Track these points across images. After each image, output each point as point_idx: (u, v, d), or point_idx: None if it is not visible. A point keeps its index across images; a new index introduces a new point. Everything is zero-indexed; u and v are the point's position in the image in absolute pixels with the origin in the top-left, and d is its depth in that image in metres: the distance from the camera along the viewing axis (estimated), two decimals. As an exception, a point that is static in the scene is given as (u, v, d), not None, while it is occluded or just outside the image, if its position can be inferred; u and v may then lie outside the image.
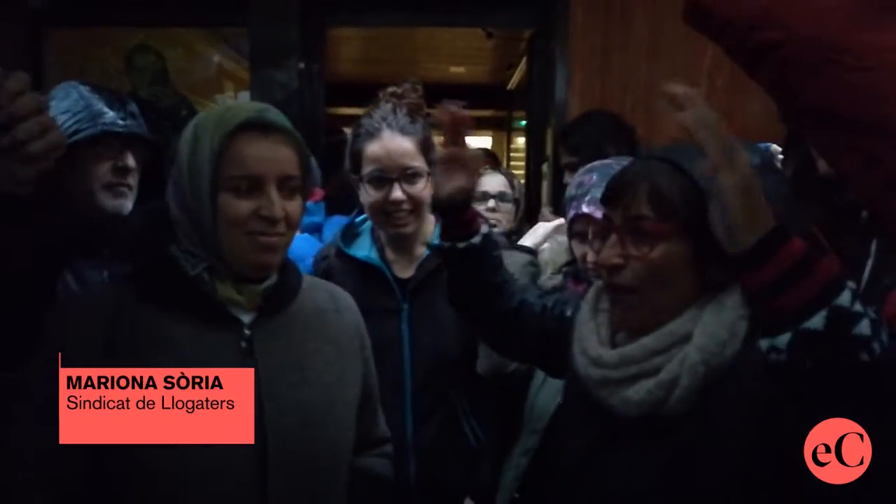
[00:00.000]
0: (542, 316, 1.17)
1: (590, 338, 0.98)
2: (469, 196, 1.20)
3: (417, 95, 1.57)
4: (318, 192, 2.23)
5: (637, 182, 0.90)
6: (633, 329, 0.93)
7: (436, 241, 1.56)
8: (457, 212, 1.18)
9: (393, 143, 1.50)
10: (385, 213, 1.53)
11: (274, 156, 1.01)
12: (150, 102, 3.49)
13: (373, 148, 1.51)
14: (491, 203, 2.32)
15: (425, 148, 1.53)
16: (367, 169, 1.52)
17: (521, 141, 6.66)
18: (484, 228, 1.20)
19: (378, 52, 5.72)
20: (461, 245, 1.17)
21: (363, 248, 1.62)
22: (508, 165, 6.95)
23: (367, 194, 1.53)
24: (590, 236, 1.41)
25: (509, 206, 2.36)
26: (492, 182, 2.36)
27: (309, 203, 2.08)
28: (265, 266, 1.04)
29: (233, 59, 4.24)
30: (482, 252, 1.18)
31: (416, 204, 1.53)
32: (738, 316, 0.86)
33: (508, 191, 2.37)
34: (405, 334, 1.55)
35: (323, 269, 1.64)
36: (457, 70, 6.40)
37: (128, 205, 1.38)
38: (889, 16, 0.64)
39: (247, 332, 1.02)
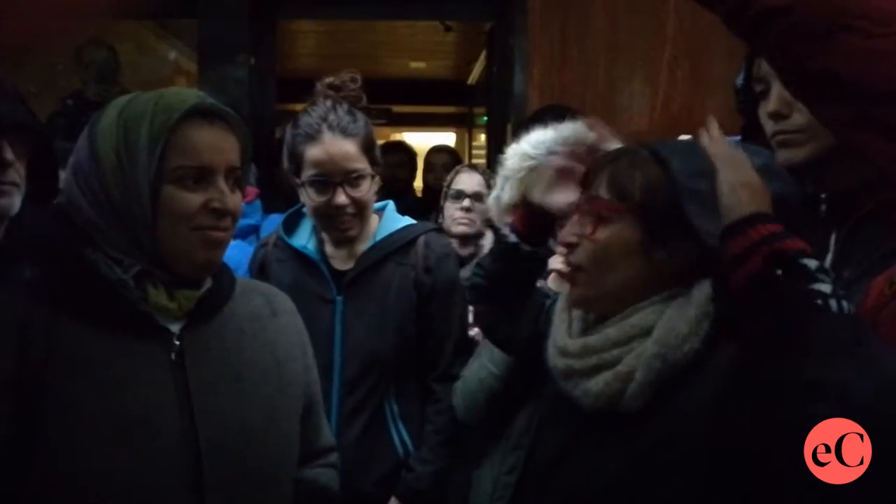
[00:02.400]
0: (540, 315, 1.16)
1: (560, 328, 0.98)
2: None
3: (356, 87, 1.51)
4: (252, 192, 2.11)
5: (605, 165, 0.93)
6: (581, 304, 0.95)
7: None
8: (547, 218, 1.15)
9: (334, 146, 1.44)
10: (328, 216, 1.49)
11: (222, 145, 0.94)
12: (96, 103, 3.36)
13: (313, 151, 1.45)
14: (466, 202, 2.26)
15: (367, 147, 1.48)
16: (308, 172, 1.47)
17: (483, 138, 6.63)
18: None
19: (336, 47, 5.64)
20: (532, 248, 1.16)
21: (302, 238, 1.58)
22: (471, 162, 6.90)
23: (310, 198, 1.48)
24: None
25: (484, 207, 2.31)
26: (468, 181, 2.30)
27: (242, 204, 2.01)
28: (212, 264, 0.97)
29: (187, 55, 4.12)
30: (544, 259, 1.18)
31: (360, 206, 1.48)
32: (702, 313, 0.85)
33: (485, 191, 2.31)
34: (337, 328, 1.50)
35: (260, 258, 1.60)
36: (417, 65, 6.35)
37: (15, 203, 1.23)
38: None
39: (176, 342, 0.94)
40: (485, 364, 1.42)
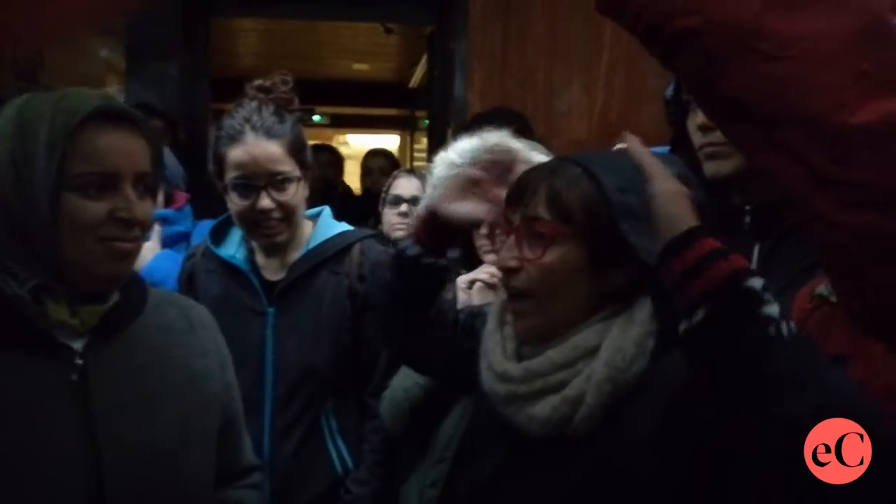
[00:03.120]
0: (454, 328, 1.10)
1: (495, 351, 0.93)
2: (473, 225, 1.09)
3: (287, 89, 1.45)
4: (182, 197, 1.99)
5: (538, 182, 0.88)
6: (531, 338, 0.90)
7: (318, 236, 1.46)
8: (451, 231, 1.07)
9: (258, 147, 1.37)
10: (253, 221, 1.41)
11: (129, 150, 0.88)
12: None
13: (236, 153, 1.38)
14: (403, 207, 2.22)
15: (295, 149, 1.42)
16: (230, 175, 1.39)
17: (425, 141, 6.62)
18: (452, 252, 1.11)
19: (278, 46, 5.54)
20: (435, 260, 1.06)
21: (230, 248, 1.51)
22: (412, 165, 6.87)
23: (233, 202, 1.41)
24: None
25: None
26: (406, 186, 2.27)
27: (170, 211, 1.89)
28: (119, 277, 0.90)
29: (119, 53, 3.95)
30: (446, 272, 1.10)
31: (287, 211, 1.42)
32: (646, 332, 0.83)
33: (423, 195, 2.28)
34: (269, 340, 1.44)
35: (188, 268, 1.52)
36: (360, 67, 6.28)
37: None
38: (807, 1, 0.60)
39: (78, 361, 0.87)
40: (409, 374, 1.39)
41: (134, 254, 0.90)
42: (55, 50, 3.53)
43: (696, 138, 1.09)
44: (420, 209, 1.18)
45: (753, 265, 1.01)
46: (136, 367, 0.93)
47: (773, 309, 0.68)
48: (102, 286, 0.90)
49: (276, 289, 1.45)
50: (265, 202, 1.38)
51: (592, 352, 0.84)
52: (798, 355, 0.67)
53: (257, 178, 1.38)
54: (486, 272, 1.37)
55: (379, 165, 3.60)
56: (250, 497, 1.13)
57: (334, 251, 1.49)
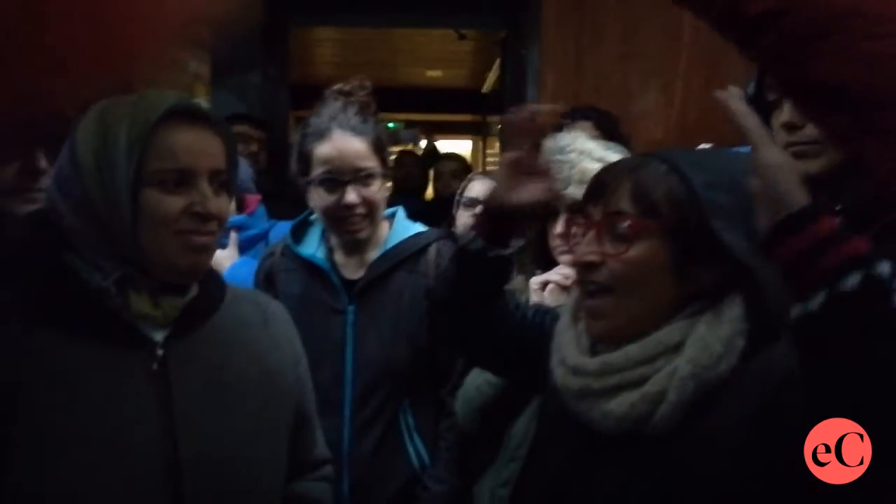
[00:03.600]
0: (522, 325, 1.09)
1: (569, 346, 0.91)
2: (547, 208, 1.08)
3: (365, 93, 1.48)
4: (254, 200, 2.03)
5: (622, 177, 0.86)
6: (606, 338, 0.87)
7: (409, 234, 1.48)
8: (510, 219, 1.05)
9: (344, 143, 1.42)
10: (338, 217, 1.45)
11: (204, 147, 0.92)
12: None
13: (323, 149, 1.42)
14: (479, 209, 2.22)
15: (378, 147, 1.46)
16: (317, 171, 1.44)
17: (498, 146, 6.60)
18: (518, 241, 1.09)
19: (352, 55, 5.65)
20: (500, 252, 1.04)
21: (310, 247, 1.54)
22: (484, 170, 6.87)
23: (319, 198, 1.45)
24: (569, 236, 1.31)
25: None
26: (481, 189, 2.26)
27: (244, 216, 1.92)
28: (197, 270, 0.94)
29: (206, 63, 4.13)
30: (509, 264, 1.09)
31: (370, 207, 1.45)
32: (736, 331, 0.79)
33: None
34: (349, 338, 1.46)
35: (266, 267, 1.55)
36: (433, 73, 6.34)
37: None
38: None
39: (159, 352, 0.91)
40: (482, 372, 1.37)
41: (211, 247, 0.93)
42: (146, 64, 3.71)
43: (781, 137, 1.04)
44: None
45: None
46: (214, 359, 0.96)
47: None
48: (181, 278, 0.93)
49: (355, 287, 1.48)
50: (351, 197, 1.41)
51: (675, 348, 0.81)
52: None
53: (343, 174, 1.41)
54: (560, 273, 1.35)
55: (450, 169, 3.62)
56: (319, 489, 1.14)
57: (412, 251, 1.50)
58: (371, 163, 1.43)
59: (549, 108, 1.05)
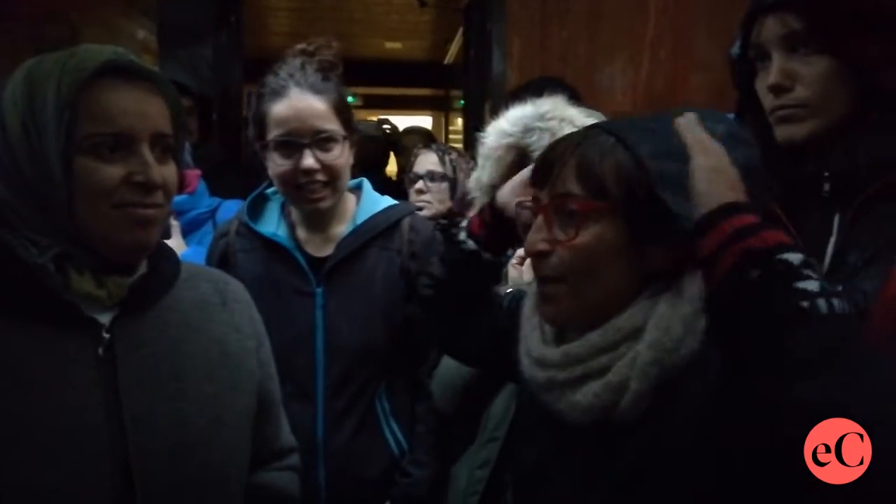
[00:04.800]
0: (498, 312, 1.05)
1: (532, 336, 0.87)
2: None
3: (331, 53, 1.37)
4: (193, 176, 1.86)
5: (566, 154, 0.80)
6: (561, 324, 0.84)
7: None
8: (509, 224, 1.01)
9: (302, 102, 1.30)
10: (296, 185, 1.33)
11: (143, 108, 0.82)
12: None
13: (279, 108, 1.31)
14: (419, 184, 2.15)
15: (340, 109, 1.34)
16: (273, 133, 1.32)
17: (460, 122, 6.52)
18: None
19: (307, 25, 5.48)
20: (493, 257, 1.03)
21: (270, 224, 1.42)
22: (447, 145, 6.80)
23: (275, 163, 1.33)
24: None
25: (441, 186, 2.17)
26: (423, 162, 2.19)
27: (184, 197, 1.76)
28: (141, 246, 0.84)
29: (154, 34, 3.94)
30: (501, 268, 1.06)
31: (331, 174, 1.33)
32: (695, 309, 0.74)
33: (439, 169, 2.18)
34: (319, 322, 1.36)
35: (221, 248, 1.43)
36: (393, 45, 6.20)
37: None
38: None
39: (105, 335, 0.83)
40: None
41: (156, 220, 0.84)
42: (89, 31, 3.52)
43: (767, 101, 1.00)
44: (475, 181, 1.11)
45: (834, 235, 0.93)
46: (167, 342, 0.88)
47: (811, 284, 0.62)
48: (126, 256, 0.85)
49: (323, 267, 1.37)
50: (308, 161, 1.30)
51: (636, 333, 0.76)
52: (830, 336, 0.62)
53: (301, 136, 1.30)
54: (516, 255, 1.30)
55: (414, 143, 3.53)
56: (285, 479, 1.08)
57: (384, 226, 1.41)
58: (332, 125, 1.32)
59: None
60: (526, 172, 1.01)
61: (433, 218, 2.06)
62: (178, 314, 0.90)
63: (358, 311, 1.37)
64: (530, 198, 0.87)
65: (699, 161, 0.72)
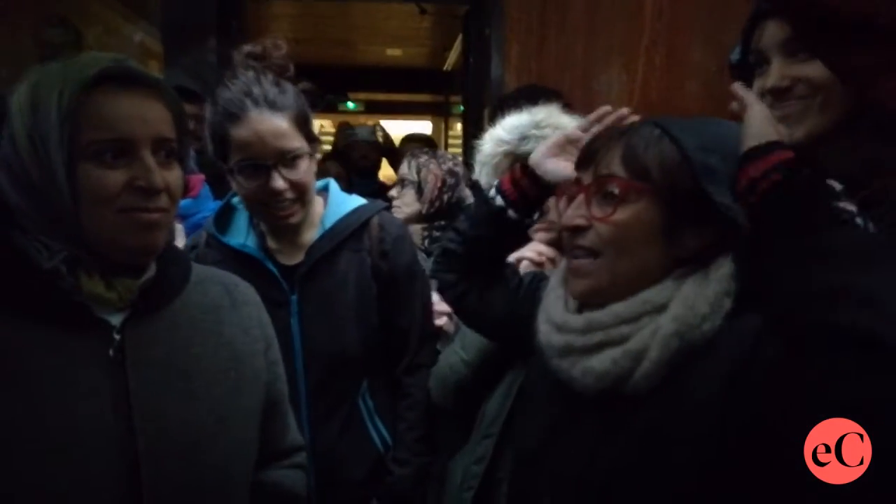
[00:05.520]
0: (517, 290, 1.10)
1: (556, 305, 0.90)
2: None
3: (281, 55, 1.32)
4: (197, 180, 1.85)
5: (613, 141, 0.85)
6: (587, 296, 0.87)
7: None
8: (539, 189, 1.09)
9: (262, 124, 1.25)
10: (264, 204, 1.30)
11: (144, 113, 0.83)
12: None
13: (239, 132, 1.25)
14: (393, 191, 2.22)
15: (301, 121, 1.30)
16: (236, 157, 1.27)
17: (459, 127, 6.54)
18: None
19: (310, 31, 5.50)
20: (518, 216, 1.09)
21: (238, 235, 1.40)
22: (447, 150, 6.82)
23: (241, 185, 1.30)
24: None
25: (408, 191, 2.20)
26: (401, 169, 2.24)
27: (187, 201, 1.77)
28: (147, 249, 0.86)
29: (156, 37, 3.96)
30: (526, 231, 1.12)
31: (300, 190, 1.31)
32: (722, 290, 0.78)
33: (408, 175, 2.22)
34: (295, 329, 1.36)
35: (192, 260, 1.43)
36: (393, 52, 6.22)
37: None
38: None
39: (116, 337, 0.84)
40: (456, 350, 1.35)
41: (162, 224, 0.85)
42: (94, 37, 3.54)
43: (766, 103, 1.02)
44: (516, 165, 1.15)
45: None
46: (177, 344, 0.89)
47: (850, 206, 0.69)
48: (132, 259, 0.86)
49: (295, 274, 1.36)
50: (277, 183, 1.27)
51: (661, 308, 0.80)
52: (863, 243, 0.68)
53: (265, 158, 1.26)
54: (533, 250, 1.32)
55: (409, 150, 3.56)
56: (292, 477, 1.09)
57: (353, 228, 1.40)
58: (295, 142, 1.27)
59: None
60: (560, 134, 1.08)
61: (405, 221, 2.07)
62: (188, 316, 0.92)
63: (333, 315, 1.37)
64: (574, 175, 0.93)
65: (755, 108, 0.82)
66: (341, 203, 1.44)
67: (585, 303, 0.88)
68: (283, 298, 1.35)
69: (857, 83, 0.66)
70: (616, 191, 0.82)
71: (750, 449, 0.70)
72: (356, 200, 1.46)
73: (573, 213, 0.85)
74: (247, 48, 1.32)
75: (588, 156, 0.88)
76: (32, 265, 0.80)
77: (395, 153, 3.78)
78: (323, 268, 1.37)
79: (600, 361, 0.80)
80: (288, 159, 1.28)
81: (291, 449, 1.11)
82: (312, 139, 1.33)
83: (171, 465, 0.83)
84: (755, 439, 0.70)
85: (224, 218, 1.43)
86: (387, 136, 3.88)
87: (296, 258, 1.38)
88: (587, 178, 0.86)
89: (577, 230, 0.84)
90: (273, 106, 1.26)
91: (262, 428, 0.99)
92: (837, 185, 0.70)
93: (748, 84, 1.06)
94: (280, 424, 1.07)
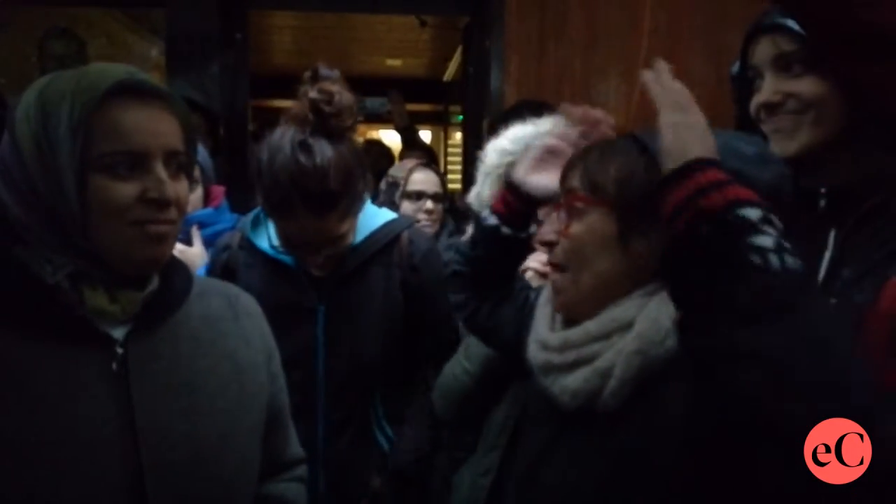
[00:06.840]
0: (523, 307, 1.12)
1: (541, 322, 0.93)
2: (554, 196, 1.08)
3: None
4: (219, 192, 1.89)
5: (581, 156, 0.89)
6: (566, 312, 0.90)
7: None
8: (529, 203, 1.08)
9: (310, 225, 1.28)
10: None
11: (156, 126, 0.83)
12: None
13: (287, 226, 1.31)
14: (429, 204, 2.18)
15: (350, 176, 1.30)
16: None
17: (458, 136, 6.55)
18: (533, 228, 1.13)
19: (311, 43, 5.52)
20: (512, 232, 1.09)
21: (273, 239, 1.42)
22: (446, 161, 6.84)
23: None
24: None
25: (441, 207, 2.24)
26: (427, 182, 2.22)
27: (209, 210, 1.78)
28: (155, 261, 0.86)
29: (160, 49, 3.97)
30: (524, 244, 1.12)
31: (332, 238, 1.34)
32: None
33: (440, 190, 2.25)
34: (320, 338, 1.37)
35: (223, 262, 1.44)
36: (393, 63, 6.24)
37: None
38: None
39: (119, 350, 0.84)
40: (460, 360, 1.35)
41: (170, 236, 0.86)
42: (97, 47, 3.55)
43: (760, 118, 1.02)
44: (475, 197, 1.16)
45: (829, 250, 0.95)
46: (179, 357, 0.89)
47: (766, 240, 0.63)
48: (138, 270, 0.86)
49: (325, 285, 1.38)
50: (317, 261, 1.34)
51: (628, 325, 0.82)
52: (778, 290, 0.62)
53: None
54: (538, 260, 1.33)
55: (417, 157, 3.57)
56: (294, 490, 1.09)
57: (384, 243, 1.42)
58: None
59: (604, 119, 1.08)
60: (535, 150, 1.08)
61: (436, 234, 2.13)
62: (190, 328, 0.92)
63: (359, 328, 1.38)
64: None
65: (667, 116, 0.72)
66: (373, 216, 1.46)
67: (569, 319, 0.90)
68: (311, 306, 1.38)
69: (878, 95, 0.66)
70: (579, 205, 0.85)
71: (723, 458, 0.70)
72: (386, 214, 1.48)
73: (547, 228, 0.89)
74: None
75: (564, 171, 0.91)
76: (35, 279, 0.80)
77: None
78: (352, 280, 1.39)
79: (574, 380, 0.82)
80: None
81: (292, 461, 1.11)
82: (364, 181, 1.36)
83: (175, 480, 0.83)
84: (725, 450, 0.69)
85: (258, 223, 1.46)
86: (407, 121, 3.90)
87: (325, 270, 1.40)
88: (561, 194, 0.91)
89: (550, 245, 0.89)
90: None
91: (263, 440, 0.98)
92: (755, 214, 0.64)
93: (748, 96, 1.07)
94: (281, 437, 1.07)
